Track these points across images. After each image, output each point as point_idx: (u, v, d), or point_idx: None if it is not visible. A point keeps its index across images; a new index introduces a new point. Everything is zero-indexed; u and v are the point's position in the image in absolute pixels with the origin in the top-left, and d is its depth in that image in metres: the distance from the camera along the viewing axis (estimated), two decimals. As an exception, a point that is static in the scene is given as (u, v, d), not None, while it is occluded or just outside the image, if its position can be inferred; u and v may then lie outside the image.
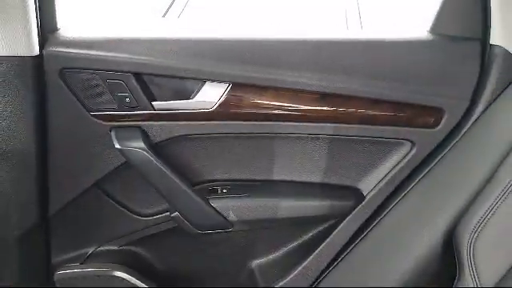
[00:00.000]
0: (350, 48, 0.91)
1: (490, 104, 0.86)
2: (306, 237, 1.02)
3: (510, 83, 0.85)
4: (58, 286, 0.98)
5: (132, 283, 0.96)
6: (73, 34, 0.87)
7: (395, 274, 0.88)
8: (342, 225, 0.97)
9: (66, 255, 0.98)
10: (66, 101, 0.86)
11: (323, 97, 0.89)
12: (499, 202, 0.74)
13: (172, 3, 2.73)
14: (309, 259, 0.99)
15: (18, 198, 0.89)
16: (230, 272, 1.05)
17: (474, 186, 0.80)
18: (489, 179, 0.78)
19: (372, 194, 0.96)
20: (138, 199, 0.98)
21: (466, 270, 0.76)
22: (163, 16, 2.73)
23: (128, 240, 1.00)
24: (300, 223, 1.00)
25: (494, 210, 0.75)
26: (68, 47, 0.84)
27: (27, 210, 0.91)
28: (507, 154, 0.77)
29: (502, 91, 0.85)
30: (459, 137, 0.89)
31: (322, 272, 1.00)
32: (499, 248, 0.74)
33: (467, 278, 0.76)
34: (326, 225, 1.00)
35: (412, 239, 0.88)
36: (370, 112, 0.91)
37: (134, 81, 0.85)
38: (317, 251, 0.99)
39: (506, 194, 0.74)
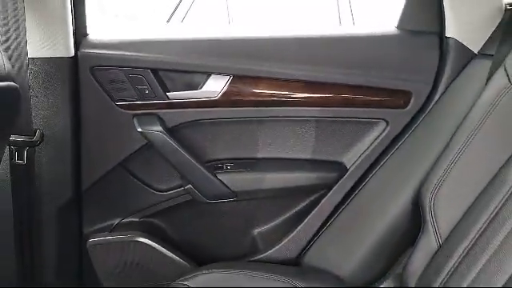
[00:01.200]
0: (330, 43, 1.09)
1: (447, 87, 1.03)
2: (298, 207, 1.19)
3: (462, 69, 1.02)
4: (89, 252, 1.15)
5: (153, 247, 1.13)
6: (100, 37, 1.05)
7: (373, 234, 1.05)
8: (328, 195, 1.14)
9: (95, 226, 1.16)
10: (95, 93, 1.04)
11: (309, 85, 1.06)
12: (452, 166, 0.91)
13: (175, 9, 2.92)
14: (298, 227, 1.15)
15: (56, 175, 1.06)
16: (235, 239, 1.22)
17: (435, 154, 0.97)
18: (445, 148, 0.94)
19: (354, 166, 1.13)
20: (156, 176, 1.15)
21: (429, 222, 0.92)
22: (167, 21, 2.92)
23: (148, 212, 1.17)
24: (293, 193, 1.17)
25: (448, 172, 0.91)
26: (97, 49, 1.02)
27: (64, 186, 1.08)
28: (459, 126, 0.94)
29: (456, 76, 1.02)
30: (424, 114, 1.06)
31: (311, 239, 1.15)
32: (453, 201, 0.90)
33: (429, 229, 0.92)
34: (316, 195, 1.16)
35: (387, 203, 1.05)
36: (350, 96, 1.08)
37: (151, 76, 1.03)
38: (306, 220, 1.15)
39: (457, 159, 0.90)
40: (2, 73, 0.70)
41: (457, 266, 0.82)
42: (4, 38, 0.86)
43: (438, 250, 0.89)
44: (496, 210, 0.81)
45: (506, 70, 0.87)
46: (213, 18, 3.08)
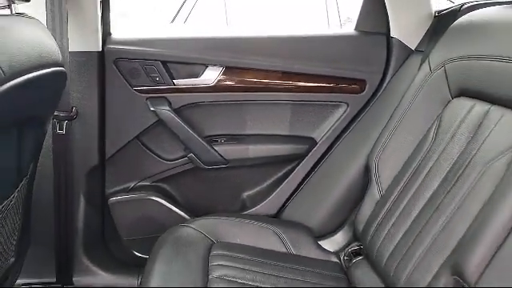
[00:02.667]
0: (302, 41, 1.38)
1: (392, 76, 1.32)
2: (278, 173, 1.48)
3: (403, 62, 1.30)
4: (110, 208, 1.43)
5: (162, 204, 1.42)
6: (121, 36, 1.33)
7: (335, 193, 1.33)
8: (301, 163, 1.43)
9: (115, 187, 1.44)
10: (117, 80, 1.33)
11: (285, 75, 1.35)
12: (391, 135, 1.19)
13: (179, 11, 3.20)
14: (278, 189, 1.44)
15: (85, 146, 1.35)
16: (227, 199, 1.50)
17: (382, 127, 1.25)
18: (388, 122, 1.23)
19: (321, 140, 1.42)
20: (164, 148, 1.43)
21: (373, 179, 1.20)
22: (171, 22, 3.21)
23: (158, 178, 1.46)
24: (273, 162, 1.45)
25: (388, 140, 1.19)
26: (119, 45, 1.31)
27: (91, 155, 1.37)
28: (398, 105, 1.21)
29: (399, 68, 1.31)
30: (376, 98, 1.35)
31: (287, 198, 1.44)
32: (391, 162, 1.17)
33: (374, 184, 1.20)
34: (292, 163, 1.45)
35: (347, 168, 1.33)
36: (318, 84, 1.37)
37: (161, 66, 1.32)
38: (283, 183, 1.44)
39: (395, 129, 1.18)
40: (58, 60, 0.98)
41: (392, 205, 1.10)
42: (53, 35, 1.14)
43: (380, 198, 1.17)
44: (420, 161, 1.08)
45: (429, 62, 1.16)
46: (212, 19, 3.37)
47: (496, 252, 0.72)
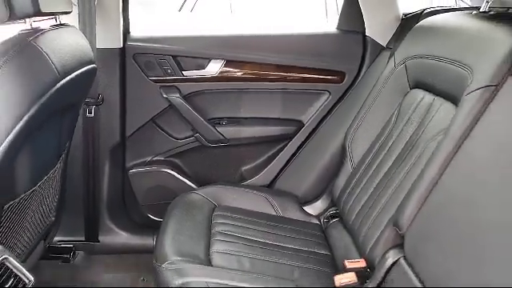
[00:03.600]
0: (292, 38, 1.62)
1: (367, 69, 1.57)
2: (271, 150, 1.73)
3: (376, 57, 1.54)
4: (130, 179, 1.70)
5: (173, 175, 1.69)
6: (139, 34, 1.58)
7: (318, 167, 1.59)
8: (290, 142, 1.69)
9: (134, 161, 1.71)
10: (135, 72, 1.58)
11: (277, 67, 1.60)
12: (363, 119, 1.43)
13: (185, 1, 3.41)
14: (271, 164, 1.71)
15: (109, 127, 1.61)
16: (229, 173, 1.77)
17: (356, 111, 1.49)
18: (361, 107, 1.47)
19: (308, 123, 1.67)
20: (175, 129, 1.69)
21: (348, 155, 1.46)
22: (179, 10, 3.42)
23: (169, 153, 1.72)
24: (267, 141, 1.71)
25: (361, 122, 1.44)
26: (137, 42, 1.56)
27: (113, 134, 1.63)
28: (369, 94, 1.46)
29: (372, 62, 1.55)
30: (353, 88, 1.60)
31: (279, 172, 1.71)
32: (362, 141, 1.42)
33: (347, 159, 1.45)
34: (283, 142, 1.71)
35: (328, 146, 1.58)
36: (305, 75, 1.62)
37: (172, 60, 1.57)
38: (275, 159, 1.71)
39: (366, 114, 1.42)
40: (91, 58, 1.23)
41: (360, 176, 1.36)
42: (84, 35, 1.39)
43: (352, 171, 1.43)
44: (383, 141, 1.33)
45: (394, 58, 1.39)
46: (217, 7, 3.57)
47: (420, 208, 0.98)
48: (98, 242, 1.69)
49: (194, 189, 1.61)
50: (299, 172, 1.66)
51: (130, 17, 1.58)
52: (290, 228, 1.43)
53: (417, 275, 0.93)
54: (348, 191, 1.39)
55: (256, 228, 1.38)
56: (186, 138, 1.70)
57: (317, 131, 1.66)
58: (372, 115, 1.42)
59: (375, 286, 1.07)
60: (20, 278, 0.89)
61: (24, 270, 0.91)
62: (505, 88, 0.89)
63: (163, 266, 1.11)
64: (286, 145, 1.70)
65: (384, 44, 1.54)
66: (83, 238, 1.68)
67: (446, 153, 0.96)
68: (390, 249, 1.07)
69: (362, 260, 1.14)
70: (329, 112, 1.65)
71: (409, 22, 1.47)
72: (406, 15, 1.52)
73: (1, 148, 0.86)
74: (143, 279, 1.66)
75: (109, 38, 1.49)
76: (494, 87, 0.91)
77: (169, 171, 1.70)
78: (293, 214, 1.52)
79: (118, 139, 1.63)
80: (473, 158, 0.91)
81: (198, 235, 1.28)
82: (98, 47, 1.46)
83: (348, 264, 1.13)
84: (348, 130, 1.48)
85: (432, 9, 1.44)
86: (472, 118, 0.93)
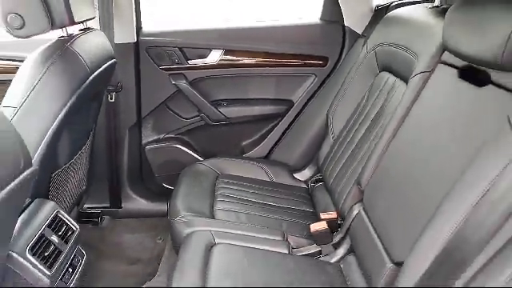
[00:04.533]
0: (281, 29, 1.87)
1: (345, 55, 1.81)
2: (266, 128, 2.00)
3: (353, 44, 1.78)
4: (146, 154, 1.99)
5: (183, 150, 1.98)
6: (150, 29, 1.84)
7: (307, 138, 1.85)
8: (283, 119, 1.95)
9: (149, 139, 1.99)
10: (148, 63, 1.84)
11: (268, 54, 1.85)
12: (342, 96, 1.69)
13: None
14: (266, 138, 1.98)
15: (127, 110, 1.88)
16: (231, 148, 2.04)
17: (336, 91, 1.74)
18: (340, 87, 1.72)
19: (297, 102, 1.93)
20: (183, 110, 1.96)
21: (329, 128, 1.72)
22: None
23: (179, 131, 2.00)
24: (262, 119, 1.98)
25: (340, 99, 1.69)
26: (149, 37, 1.82)
27: (131, 116, 1.91)
28: (347, 76, 1.70)
29: (350, 48, 1.80)
30: (335, 71, 1.84)
31: (273, 145, 1.98)
32: (342, 115, 1.68)
33: (329, 131, 1.72)
34: (276, 119, 1.97)
35: (314, 120, 1.85)
36: (294, 60, 1.87)
37: (179, 51, 1.83)
38: (270, 134, 1.98)
39: (345, 92, 1.68)
40: (112, 54, 1.50)
41: (338, 145, 1.62)
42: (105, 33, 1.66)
43: (333, 142, 1.69)
44: (357, 116, 1.59)
45: (367, 45, 1.63)
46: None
47: (375, 169, 1.25)
48: (121, 208, 1.99)
49: (200, 161, 1.89)
50: (290, 145, 1.93)
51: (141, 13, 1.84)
52: (281, 191, 1.71)
53: (370, 221, 1.20)
54: (329, 159, 1.65)
55: (252, 191, 1.66)
56: (193, 117, 1.98)
57: (305, 109, 1.92)
58: (349, 94, 1.68)
59: (343, 233, 1.35)
60: (69, 226, 1.19)
61: (72, 220, 1.20)
62: (435, 74, 1.14)
63: (175, 219, 1.40)
64: (279, 122, 1.96)
65: (360, 32, 1.78)
66: (108, 205, 1.98)
67: (393, 126, 1.22)
68: (356, 203, 1.35)
69: (334, 212, 1.42)
70: (315, 92, 1.90)
71: (380, 13, 1.70)
72: (378, 7, 1.75)
73: (50, 129, 1.13)
74: (160, 238, 1.96)
75: (125, 35, 1.75)
76: (428, 73, 1.16)
77: (179, 146, 1.98)
78: (284, 180, 1.80)
79: (135, 120, 1.91)
80: (410, 130, 1.17)
81: (204, 197, 1.57)
82: (116, 42, 1.72)
83: (322, 215, 1.41)
84: (329, 107, 1.74)
85: (399, 2, 1.67)
86: (412, 98, 1.19)
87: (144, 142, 1.99)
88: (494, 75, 0.90)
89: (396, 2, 1.67)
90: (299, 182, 1.80)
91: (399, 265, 0.98)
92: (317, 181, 1.76)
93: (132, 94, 1.86)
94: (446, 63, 1.11)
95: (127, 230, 1.97)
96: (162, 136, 2.00)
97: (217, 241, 1.27)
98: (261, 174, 1.79)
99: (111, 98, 1.79)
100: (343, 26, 1.80)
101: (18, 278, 0.97)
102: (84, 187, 1.69)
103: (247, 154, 2.00)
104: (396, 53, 1.43)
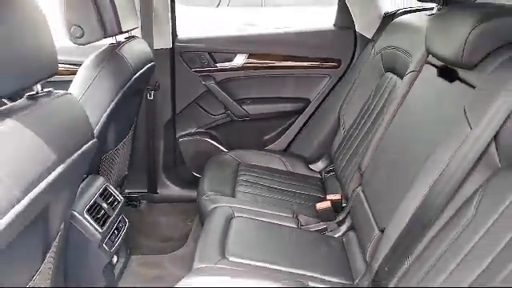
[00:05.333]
0: (299, 34, 2.09)
1: (357, 58, 2.01)
2: (285, 124, 2.22)
3: (364, 47, 1.97)
4: (180, 145, 2.25)
5: (211, 142, 2.22)
6: (184, 36, 2.10)
7: (322, 134, 2.06)
8: (301, 115, 2.17)
9: (182, 132, 2.25)
10: (181, 65, 2.11)
11: (288, 57, 2.08)
12: (352, 94, 1.89)
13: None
14: (285, 133, 2.20)
15: (163, 107, 2.15)
16: (253, 141, 2.27)
17: (349, 87, 1.94)
18: (351, 88, 1.92)
19: (314, 100, 2.14)
20: (211, 107, 2.22)
21: (341, 123, 1.92)
22: (217, 7, 3.93)
23: (207, 126, 2.25)
24: (282, 116, 2.20)
25: (350, 97, 1.89)
26: (183, 43, 2.08)
27: (167, 112, 2.17)
28: (357, 77, 1.90)
29: (362, 52, 1.99)
30: (348, 72, 2.04)
31: (292, 139, 2.20)
32: (352, 111, 1.88)
33: (341, 126, 1.92)
34: (294, 116, 2.19)
35: (328, 117, 2.05)
36: (310, 63, 2.08)
37: (208, 56, 2.08)
38: (288, 130, 2.19)
39: (354, 90, 1.88)
40: (151, 58, 1.77)
41: (347, 139, 1.82)
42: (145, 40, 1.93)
43: (344, 136, 1.89)
44: (364, 111, 1.78)
45: (375, 49, 1.83)
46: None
47: (372, 153, 1.44)
48: (157, 193, 2.25)
49: (225, 152, 2.13)
50: (307, 139, 2.14)
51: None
52: (296, 179, 1.92)
53: (366, 199, 1.40)
54: (339, 150, 1.85)
55: (270, 178, 1.88)
56: (220, 114, 2.22)
57: (320, 107, 2.13)
58: (358, 93, 1.87)
59: (345, 213, 1.55)
60: (116, 197, 1.46)
61: (118, 193, 1.47)
62: (422, 72, 1.32)
63: (202, 198, 1.65)
64: (297, 118, 2.18)
65: (370, 37, 1.97)
66: (146, 190, 2.25)
67: (388, 117, 1.42)
68: (358, 186, 1.54)
69: (339, 194, 1.62)
70: (330, 91, 2.11)
71: (387, 20, 1.89)
72: (386, 14, 1.94)
73: (101, 119, 1.40)
74: (190, 220, 2.21)
75: (162, 41, 2.03)
76: (416, 72, 1.35)
77: (208, 139, 2.24)
78: (300, 170, 2.01)
79: (170, 116, 2.18)
80: (401, 120, 1.37)
81: (227, 181, 1.80)
82: (155, 48, 1.99)
83: (328, 197, 1.61)
84: (341, 105, 1.95)
85: (404, 9, 1.85)
86: (404, 93, 1.38)
87: (178, 135, 2.25)
88: (460, 73, 1.08)
89: (402, 10, 1.85)
90: (314, 173, 2.01)
91: (383, 231, 1.18)
92: (329, 171, 1.96)
93: (168, 93, 2.13)
94: (430, 63, 1.29)
95: (162, 213, 2.22)
96: (193, 130, 2.26)
97: (236, 215, 1.50)
98: (279, 164, 2.01)
99: (150, 96, 2.06)
100: (355, 31, 2.00)
101: (77, 233, 1.24)
102: (126, 172, 1.96)
103: (268, 147, 2.22)
104: (398, 55, 1.62)
